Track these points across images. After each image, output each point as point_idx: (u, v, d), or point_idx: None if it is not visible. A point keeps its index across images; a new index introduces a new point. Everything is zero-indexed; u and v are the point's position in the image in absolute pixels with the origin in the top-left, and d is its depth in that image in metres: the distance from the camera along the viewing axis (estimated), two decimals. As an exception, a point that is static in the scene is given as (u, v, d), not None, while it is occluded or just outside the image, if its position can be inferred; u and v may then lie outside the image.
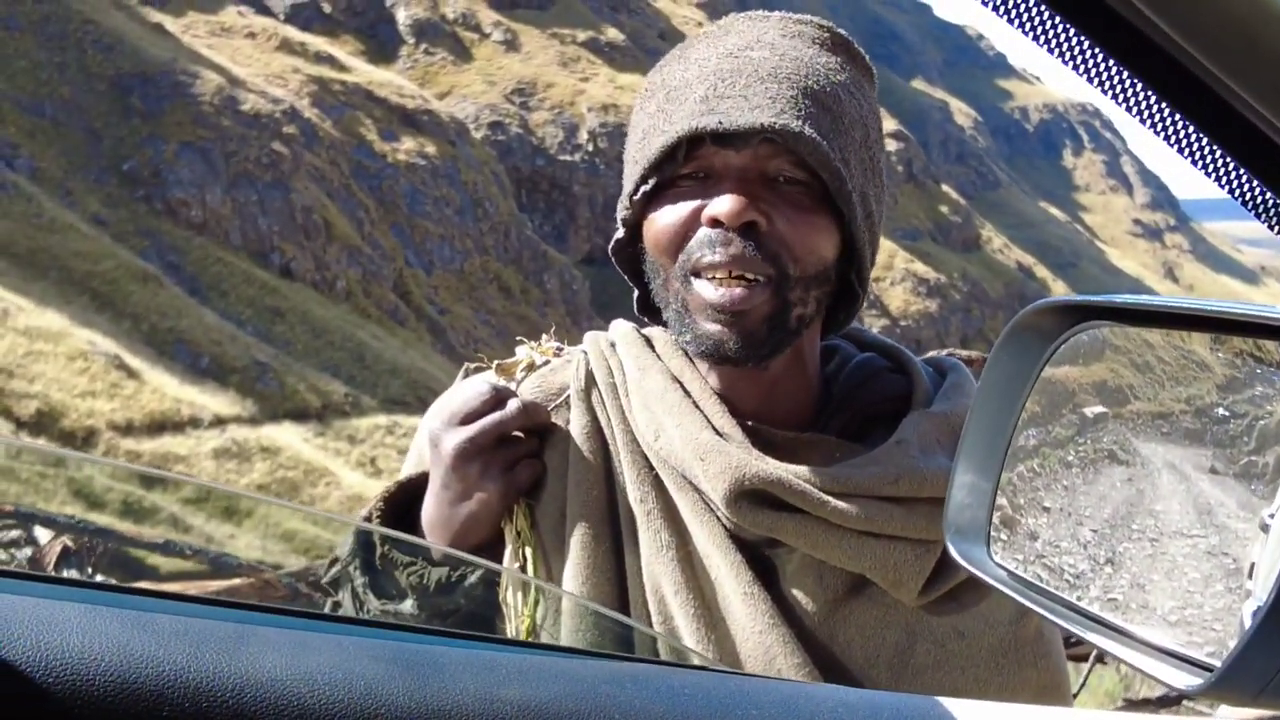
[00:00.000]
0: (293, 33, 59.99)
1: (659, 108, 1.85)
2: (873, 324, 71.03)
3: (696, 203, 1.79)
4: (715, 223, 1.77)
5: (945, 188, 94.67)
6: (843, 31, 1.92)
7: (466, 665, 1.01)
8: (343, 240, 49.56)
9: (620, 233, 1.92)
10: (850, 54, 1.92)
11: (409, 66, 67.37)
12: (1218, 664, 1.00)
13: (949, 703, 1.15)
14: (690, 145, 1.78)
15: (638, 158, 1.86)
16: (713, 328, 1.78)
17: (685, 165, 1.80)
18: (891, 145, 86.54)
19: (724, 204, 1.75)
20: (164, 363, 36.30)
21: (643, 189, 1.83)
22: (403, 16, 69.68)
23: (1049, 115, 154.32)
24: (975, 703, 1.17)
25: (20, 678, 0.88)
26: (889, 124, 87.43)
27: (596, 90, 70.19)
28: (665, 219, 1.82)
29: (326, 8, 67.03)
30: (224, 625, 0.98)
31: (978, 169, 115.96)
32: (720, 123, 1.75)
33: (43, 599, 0.95)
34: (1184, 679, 1.06)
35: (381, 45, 67.98)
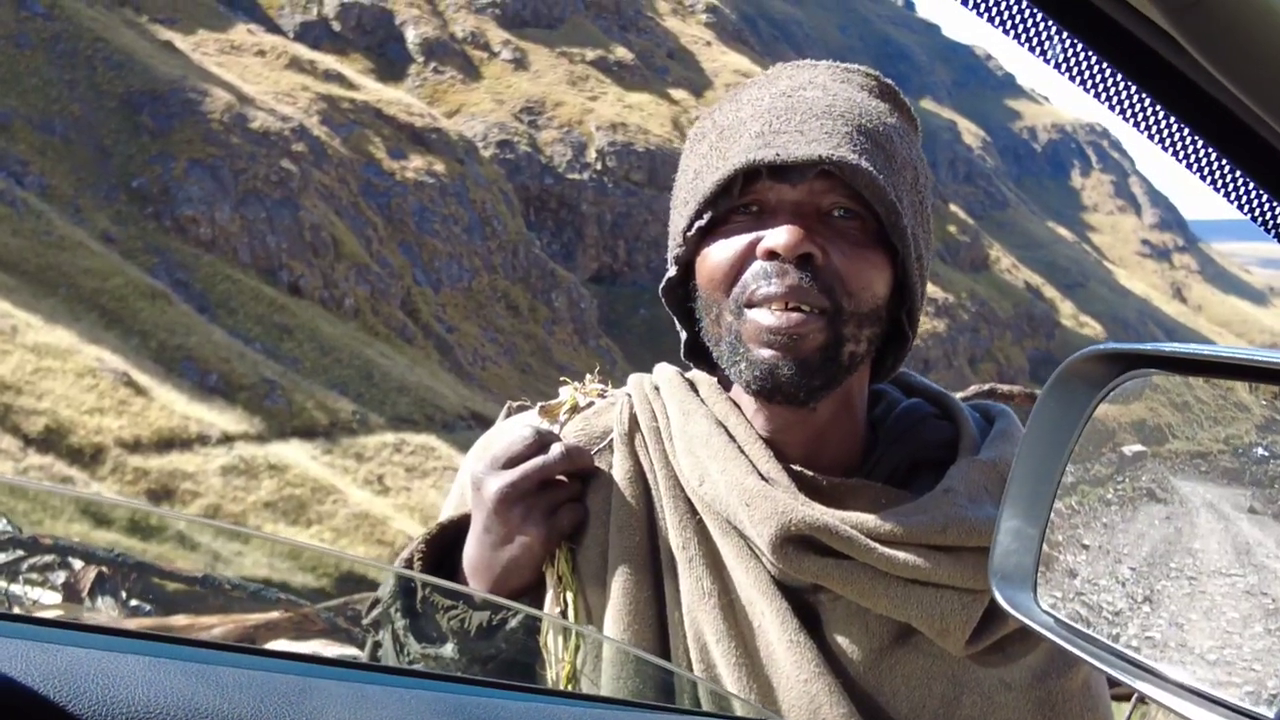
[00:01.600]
0: (302, 51, 60.00)
1: (711, 146, 1.86)
2: (880, 344, 71.01)
3: (752, 236, 1.80)
4: (771, 255, 1.77)
5: (953, 207, 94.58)
6: (890, 81, 1.93)
7: (530, 719, 1.01)
8: (351, 258, 49.54)
9: (672, 271, 1.92)
10: (897, 102, 1.93)
11: (418, 85, 67.37)
12: (1271, 716, 1.00)
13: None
14: (746, 180, 1.79)
15: (689, 196, 1.87)
16: (767, 353, 1.78)
17: (740, 200, 1.81)
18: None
19: (780, 236, 1.76)
20: (172, 380, 36.27)
21: (697, 224, 1.84)
22: (412, 35, 69.69)
23: (1057, 135, 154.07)
24: None
25: (86, 732, 0.88)
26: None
27: (605, 109, 70.18)
28: (720, 253, 1.83)
29: (336, 26, 67.04)
30: (286, 678, 0.98)
31: (986, 189, 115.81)
32: (778, 155, 1.76)
33: (107, 651, 0.95)
34: (1240, 731, 1.07)
35: (390, 64, 67.98)
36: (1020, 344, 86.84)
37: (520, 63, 71.78)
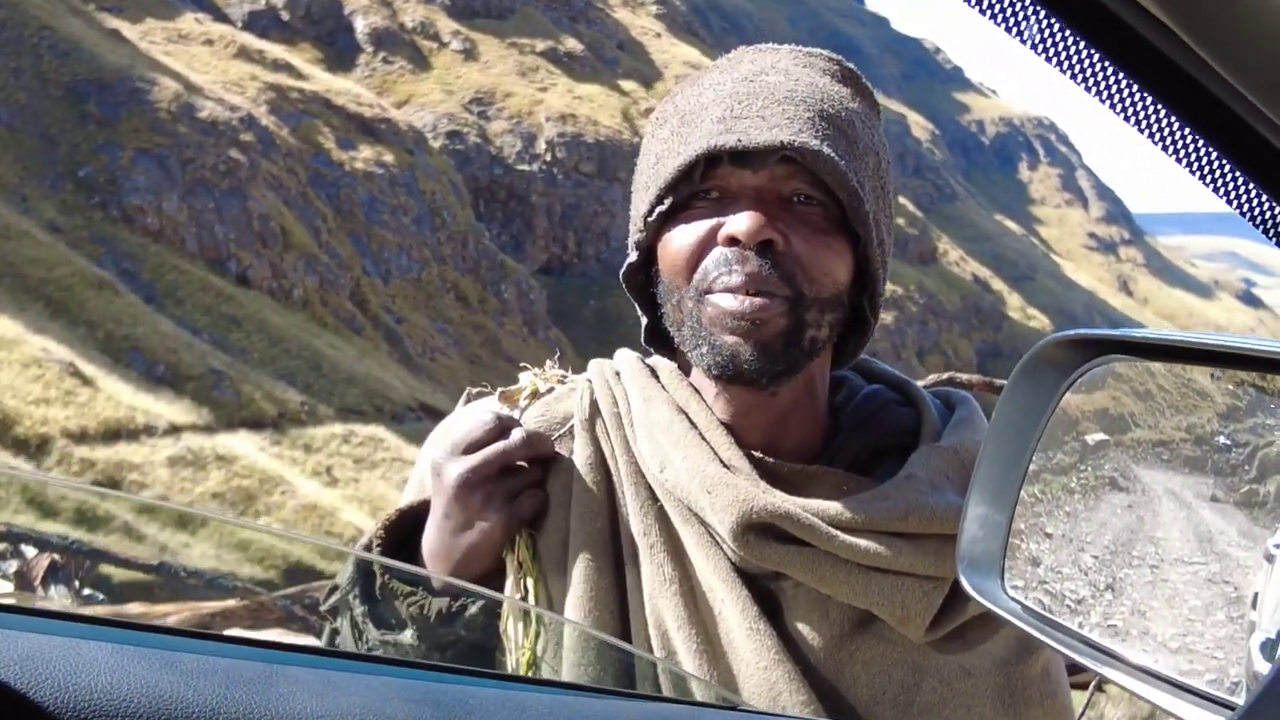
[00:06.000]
0: (250, 40, 59.73)
1: (673, 132, 1.85)
2: (829, 336, 71.39)
3: (713, 222, 1.80)
4: (732, 241, 1.77)
5: (902, 200, 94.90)
6: (852, 66, 1.93)
7: (496, 705, 1.00)
8: (300, 248, 49.37)
9: (633, 256, 1.91)
10: (859, 87, 1.94)
11: (367, 75, 67.20)
12: (1238, 702, 1.01)
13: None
14: (707, 165, 1.79)
15: (650, 181, 1.86)
16: (730, 339, 1.78)
17: (701, 185, 1.80)
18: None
19: (741, 222, 1.76)
20: (119, 370, 36.05)
21: (658, 210, 1.83)
22: (361, 25, 69.48)
23: (1005, 129, 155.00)
24: None
25: (48, 717, 0.87)
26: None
27: (555, 100, 70.20)
28: (681, 239, 1.82)
29: (284, 15, 66.77)
30: (252, 665, 0.97)
31: (934, 182, 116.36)
32: (739, 141, 1.75)
33: (70, 638, 0.94)
34: (1205, 717, 1.07)
35: (339, 53, 67.78)
36: (968, 336, 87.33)
37: (470, 53, 71.71)
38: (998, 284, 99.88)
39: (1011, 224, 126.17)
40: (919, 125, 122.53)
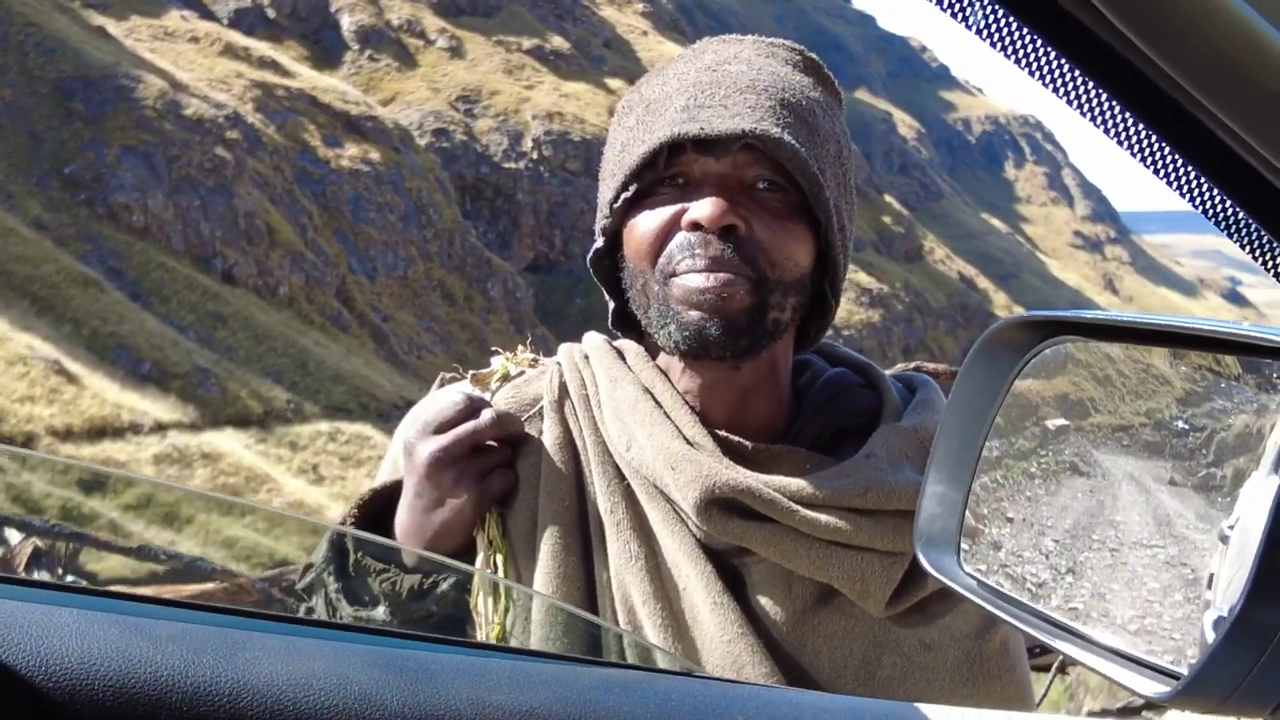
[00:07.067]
0: (236, 38, 59.61)
1: (638, 120, 1.89)
2: (815, 334, 71.27)
3: (676, 208, 1.84)
4: (695, 226, 1.82)
5: (888, 198, 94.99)
6: (814, 56, 1.97)
7: (459, 671, 1.03)
8: (286, 246, 49.28)
9: (600, 242, 1.96)
10: (821, 76, 1.98)
11: (353, 73, 67.06)
12: (1184, 672, 1.03)
13: (926, 709, 1.18)
14: (671, 153, 1.84)
15: (616, 169, 1.91)
16: (696, 314, 1.82)
17: (665, 172, 1.85)
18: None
19: (704, 208, 1.80)
20: (104, 368, 36.00)
21: (624, 196, 1.87)
22: (347, 23, 69.33)
23: (991, 127, 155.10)
24: (949, 709, 1.20)
25: (20, 682, 0.89)
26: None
27: (541, 98, 70.08)
28: (646, 224, 1.87)
29: (270, 13, 66.63)
30: (220, 631, 1.00)
31: (921, 180, 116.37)
32: (702, 129, 1.80)
33: (41, 605, 0.96)
34: (1151, 686, 1.09)
35: (326, 51, 67.65)
36: (954, 334, 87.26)
37: (456, 51, 71.57)
38: (983, 282, 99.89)
39: (997, 222, 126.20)
40: (905, 123, 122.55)
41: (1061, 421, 1.41)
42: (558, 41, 76.87)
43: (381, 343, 50.95)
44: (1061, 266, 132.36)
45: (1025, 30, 1.00)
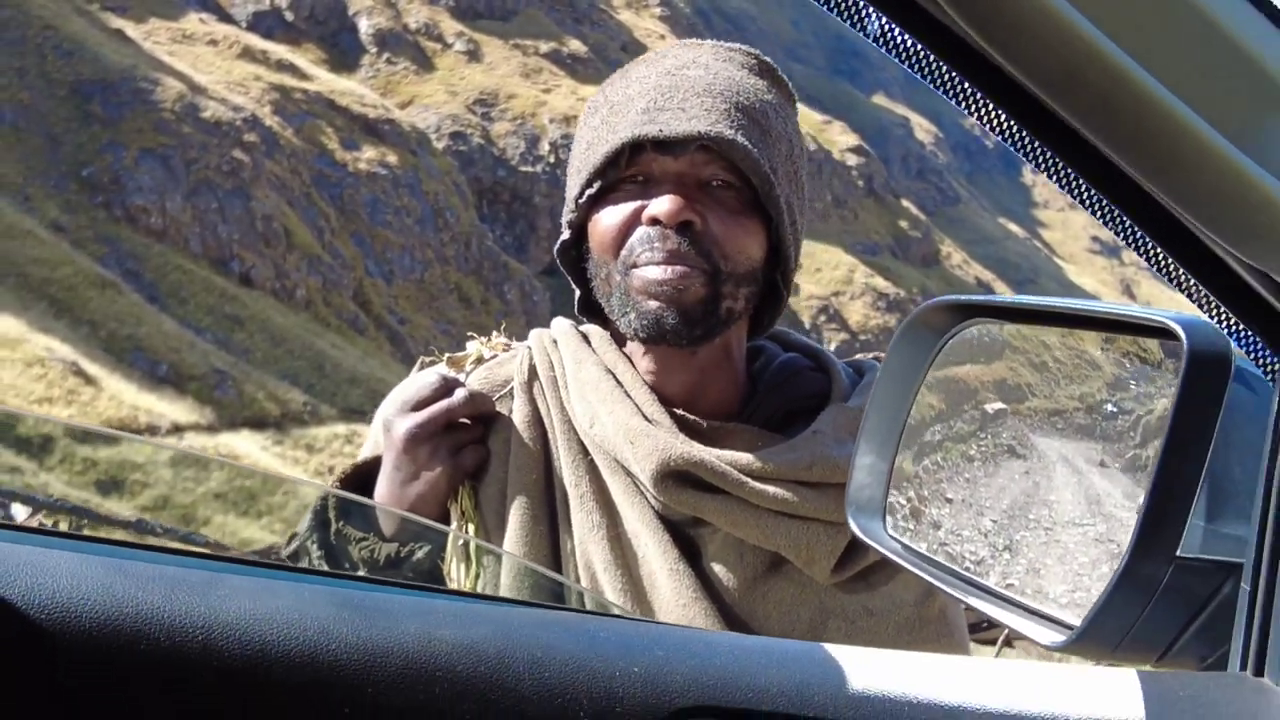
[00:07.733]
0: (254, 41, 59.60)
1: (603, 120, 2.03)
2: (832, 338, 71.09)
3: (637, 204, 1.98)
4: (654, 221, 1.96)
5: (905, 203, 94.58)
6: (768, 59, 2.10)
7: (410, 610, 1.14)
8: (303, 249, 49.28)
9: (566, 235, 2.09)
10: (775, 79, 2.10)
11: (371, 76, 67.00)
12: (1078, 623, 1.13)
13: (831, 649, 1.27)
14: (632, 152, 1.98)
15: (582, 166, 2.05)
16: (653, 304, 1.96)
17: (627, 170, 1.99)
18: (852, 160, 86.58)
19: (663, 204, 1.94)
20: (122, 370, 36.02)
21: (588, 192, 2.02)
22: (365, 26, 69.26)
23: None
24: (850, 649, 1.28)
25: (15, 616, 1.00)
26: (850, 139, 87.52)
27: (559, 101, 69.95)
28: (608, 219, 2.01)
29: (289, 16, 66.58)
30: (195, 572, 1.11)
31: (938, 185, 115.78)
32: (661, 131, 1.94)
33: (33, 546, 1.07)
34: (1049, 636, 1.19)
35: (343, 54, 67.57)
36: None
37: (474, 54, 71.48)
38: (1000, 287, 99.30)
39: (1014, 227, 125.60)
40: (922, 128, 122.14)
41: (1000, 405, 1.50)
42: (575, 45, 76.75)
43: (398, 345, 50.89)
44: (1079, 271, 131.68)
45: (912, 39, 1.09)
